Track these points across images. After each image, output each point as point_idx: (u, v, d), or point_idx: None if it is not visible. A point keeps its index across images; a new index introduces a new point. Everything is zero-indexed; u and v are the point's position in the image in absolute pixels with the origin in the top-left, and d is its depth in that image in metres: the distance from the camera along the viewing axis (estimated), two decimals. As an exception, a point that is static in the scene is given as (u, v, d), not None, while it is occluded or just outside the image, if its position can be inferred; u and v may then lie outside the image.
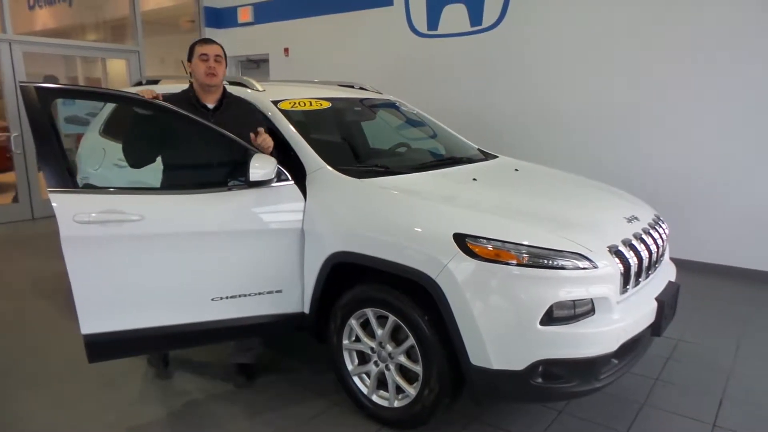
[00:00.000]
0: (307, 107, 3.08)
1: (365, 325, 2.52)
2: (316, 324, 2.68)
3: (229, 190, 2.52)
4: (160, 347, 2.44)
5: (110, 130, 4.08)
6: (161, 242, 2.36)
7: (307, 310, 2.69)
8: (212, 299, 2.51)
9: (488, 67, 5.61)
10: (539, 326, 2.04)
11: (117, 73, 12.69)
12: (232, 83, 3.23)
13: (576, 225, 2.34)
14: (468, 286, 2.10)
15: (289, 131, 2.79)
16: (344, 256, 2.44)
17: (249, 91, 3.07)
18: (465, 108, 5.69)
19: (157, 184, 2.61)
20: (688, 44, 4.51)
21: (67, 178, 2.22)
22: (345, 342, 2.58)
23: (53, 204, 2.19)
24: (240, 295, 2.56)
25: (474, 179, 2.76)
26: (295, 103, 3.04)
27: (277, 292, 2.64)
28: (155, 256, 2.36)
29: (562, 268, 2.08)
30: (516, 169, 3.14)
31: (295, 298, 2.68)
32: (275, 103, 2.97)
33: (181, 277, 2.43)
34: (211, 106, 2.69)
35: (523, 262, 2.07)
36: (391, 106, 3.81)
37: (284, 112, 2.90)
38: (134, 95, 2.45)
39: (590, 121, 5.08)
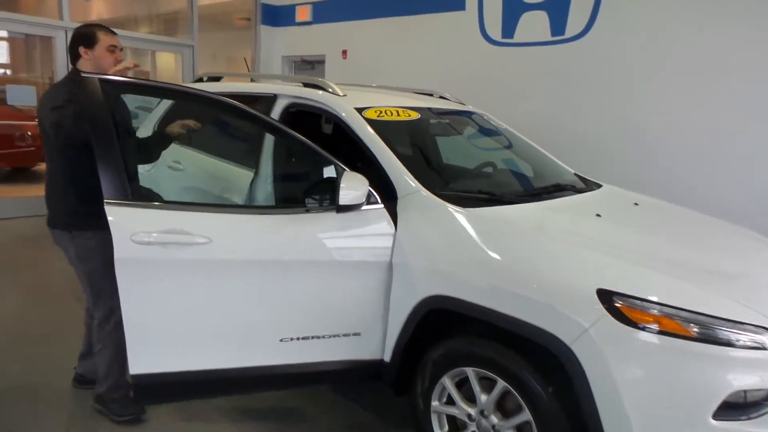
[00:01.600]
0: (394, 117, 2.67)
1: (461, 385, 2.09)
2: (398, 375, 2.26)
3: (307, 211, 2.13)
4: (217, 393, 2.08)
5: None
6: (229, 271, 1.97)
7: (387, 358, 2.26)
8: (281, 340, 2.11)
9: (568, 82, 5.12)
10: (712, 421, 1.57)
11: (166, 68, 12.66)
12: (306, 85, 2.86)
13: (743, 285, 1.86)
14: (616, 361, 1.64)
15: (378, 145, 2.37)
16: (442, 301, 2.01)
17: (324, 94, 2.67)
18: (537, 125, 5.18)
19: (215, 191, 2.24)
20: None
21: (126, 187, 1.86)
22: (434, 403, 2.14)
23: (109, 218, 1.82)
24: (313, 337, 2.16)
25: (597, 215, 2.30)
26: (381, 112, 2.63)
27: (355, 335, 2.23)
28: (221, 287, 1.98)
29: (745, 346, 1.60)
30: (636, 203, 2.66)
31: (374, 343, 2.26)
32: (359, 110, 2.56)
33: (249, 313, 2.04)
34: None
35: (693, 335, 1.61)
36: (475, 119, 3.38)
37: (370, 122, 2.50)
38: (215, 95, 2.08)
39: (683, 145, 4.54)
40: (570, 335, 1.70)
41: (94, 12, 8.18)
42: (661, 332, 1.62)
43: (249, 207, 2.07)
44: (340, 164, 2.13)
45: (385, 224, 2.18)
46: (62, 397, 2.66)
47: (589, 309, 1.68)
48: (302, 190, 2.17)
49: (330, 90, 2.73)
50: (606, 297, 1.68)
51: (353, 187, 1.99)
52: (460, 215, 2.11)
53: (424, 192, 2.21)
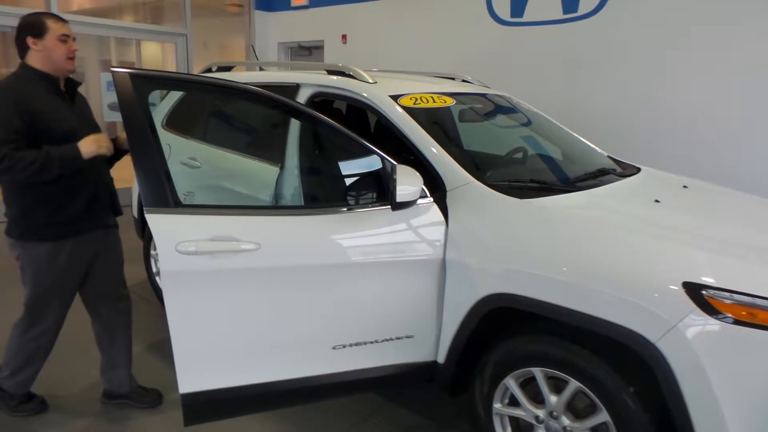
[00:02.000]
0: (431, 104, 2.52)
1: (523, 385, 1.99)
2: (453, 377, 2.15)
3: (349, 210, 1.99)
4: (267, 407, 1.95)
5: (175, 122, 3.58)
6: (279, 278, 1.84)
7: (441, 360, 2.16)
8: (333, 348, 1.99)
9: (581, 61, 4.99)
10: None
11: (151, 57, 12.30)
12: (331, 72, 2.70)
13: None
14: (709, 358, 1.54)
15: (420, 135, 2.24)
16: (505, 299, 1.90)
17: (354, 82, 2.52)
18: (551, 106, 5.06)
19: (250, 192, 2.09)
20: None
21: (167, 193, 1.70)
22: (496, 405, 2.04)
23: (151, 227, 1.67)
24: (365, 342, 2.04)
25: (656, 201, 2.19)
26: (416, 99, 2.48)
27: (408, 337, 2.11)
28: (271, 296, 1.84)
29: None
30: (684, 186, 2.55)
31: (428, 345, 2.14)
32: (395, 98, 2.42)
33: (300, 322, 1.91)
34: (66, 93, 2.24)
35: (792, 329, 1.51)
36: (493, 103, 3.23)
37: (408, 111, 2.35)
38: (263, 90, 1.92)
39: (706, 122, 4.45)
40: (655, 332, 1.60)
41: (75, 2, 7.84)
42: (756, 325, 1.52)
43: (296, 208, 1.92)
44: (388, 158, 1.99)
45: (436, 219, 2.05)
46: (90, 414, 2.52)
47: (675, 304, 1.58)
48: (348, 186, 2.04)
49: (357, 77, 2.58)
50: (694, 290, 1.58)
51: (410, 182, 1.85)
52: (519, 207, 1.99)
53: (477, 183, 2.08)
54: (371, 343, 2.05)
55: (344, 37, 6.75)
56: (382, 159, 2.01)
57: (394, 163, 1.96)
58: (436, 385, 2.22)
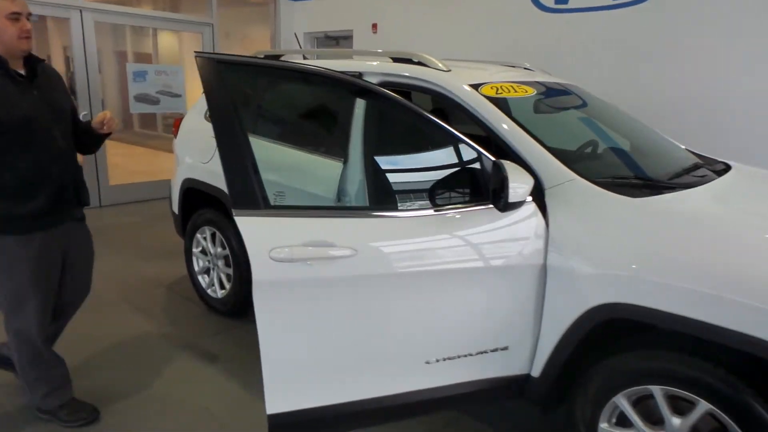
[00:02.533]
0: (512, 94, 2.33)
1: (635, 403, 1.80)
2: (548, 392, 1.97)
3: (445, 210, 1.80)
4: (356, 425, 1.78)
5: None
6: (375, 287, 1.66)
7: (536, 373, 1.98)
8: (426, 362, 1.82)
9: (632, 50, 4.76)
10: None
11: (167, 48, 12.12)
12: (396, 59, 2.51)
13: None
14: None
15: (511, 128, 2.05)
16: (620, 310, 1.71)
17: (428, 70, 2.33)
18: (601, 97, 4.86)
19: (313, 190, 1.91)
20: None
21: (258, 194, 1.52)
22: (603, 425, 1.86)
23: (242, 232, 1.49)
24: (459, 356, 1.87)
25: (775, 200, 1.99)
26: (498, 89, 2.29)
27: (503, 349, 1.93)
28: (365, 308, 1.67)
29: None
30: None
31: (522, 357, 1.97)
32: (475, 87, 2.23)
33: (394, 335, 1.74)
34: (24, 74, 2.05)
35: None
36: (566, 92, 3.03)
37: (493, 102, 2.16)
38: (367, 82, 1.74)
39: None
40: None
41: None
42: None
43: (390, 208, 1.74)
44: (486, 153, 1.80)
45: (536, 220, 1.86)
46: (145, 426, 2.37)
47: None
48: (442, 184, 1.85)
49: (429, 64, 2.39)
50: None
51: (521, 180, 1.67)
52: (635, 207, 1.79)
53: (581, 181, 1.89)
54: (465, 356, 1.87)
55: (374, 26, 6.54)
56: (480, 154, 1.82)
57: (492, 158, 1.77)
58: (528, 400, 2.04)
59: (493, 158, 1.78)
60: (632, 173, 2.12)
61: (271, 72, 1.78)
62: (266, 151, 1.79)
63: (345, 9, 6.79)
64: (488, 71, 2.61)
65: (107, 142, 2.65)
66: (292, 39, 7.39)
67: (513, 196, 1.64)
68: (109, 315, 3.43)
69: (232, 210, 1.51)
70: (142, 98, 6.08)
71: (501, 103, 2.18)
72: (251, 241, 1.49)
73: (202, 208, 3.46)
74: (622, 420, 1.83)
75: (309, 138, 2.00)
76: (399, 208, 1.75)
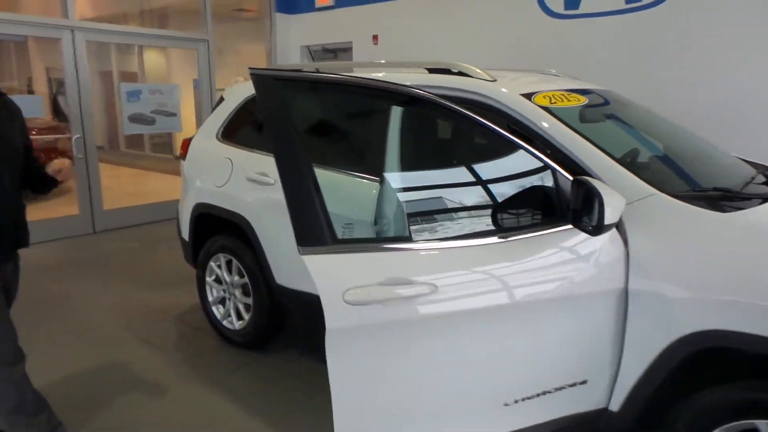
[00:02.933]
0: (566, 103, 2.18)
1: (734, 439, 1.63)
2: (629, 426, 1.79)
3: (508, 236, 1.63)
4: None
5: (235, 134, 3.21)
6: (454, 326, 1.48)
7: (615, 407, 1.80)
8: (505, 404, 1.63)
9: (645, 56, 4.67)
10: None
11: (154, 67, 11.88)
12: (432, 70, 2.34)
13: None
14: None
15: (576, 141, 1.89)
16: (720, 338, 1.55)
17: (473, 81, 2.17)
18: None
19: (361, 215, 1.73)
20: None
21: (325, 228, 1.33)
22: (699, 464, 1.68)
23: (311, 271, 1.29)
24: (538, 394, 1.68)
25: None
26: (551, 98, 2.14)
27: (581, 383, 1.75)
28: (444, 349, 1.48)
29: None
30: None
31: (601, 390, 1.79)
32: (527, 97, 2.07)
33: (472, 377, 1.55)
34: None
35: None
36: (606, 100, 2.88)
37: (551, 112, 2.00)
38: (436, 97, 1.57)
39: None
40: None
41: (96, 7, 7.42)
42: None
43: (464, 236, 1.56)
44: (559, 169, 1.63)
45: (614, 241, 1.70)
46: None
47: None
48: (512, 204, 1.68)
49: (471, 74, 2.23)
50: None
51: (617, 204, 1.50)
52: (724, 222, 1.64)
53: (663, 196, 1.73)
54: (543, 394, 1.69)
55: (375, 37, 6.40)
56: (554, 171, 1.66)
57: (566, 175, 1.60)
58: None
59: (567, 175, 1.61)
60: (706, 185, 1.96)
61: (335, 88, 1.58)
62: (332, 179, 1.60)
63: (343, 21, 6.65)
64: (531, 79, 2.46)
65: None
66: (289, 52, 7.22)
67: (610, 217, 1.47)
68: (115, 350, 3.18)
69: (298, 248, 1.31)
70: (136, 119, 5.85)
71: (561, 114, 2.02)
72: (323, 283, 1.30)
73: (216, 234, 3.24)
74: (720, 457, 1.66)
75: (376, 163, 1.80)
76: (474, 234, 1.57)
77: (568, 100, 2.19)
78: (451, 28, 5.79)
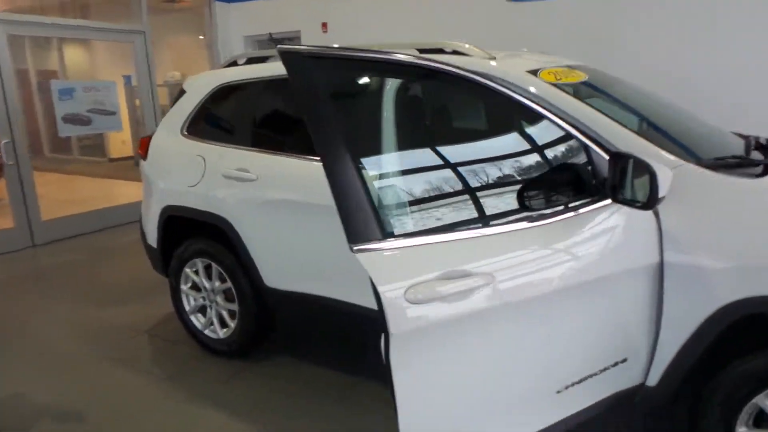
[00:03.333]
0: (570, 79, 2.14)
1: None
2: (666, 399, 1.79)
3: (562, 213, 1.57)
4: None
5: (204, 129, 2.96)
6: (511, 316, 1.39)
7: (652, 382, 1.79)
8: (557, 392, 1.57)
9: (597, 37, 4.77)
10: None
11: (77, 64, 10.98)
12: (423, 51, 2.24)
13: None
14: None
15: (594, 117, 1.84)
16: (763, 304, 1.56)
17: (473, 59, 2.09)
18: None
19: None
20: None
21: (373, 219, 1.20)
22: (741, 430, 1.70)
23: (368, 270, 1.16)
24: (585, 377, 1.64)
25: None
26: (556, 74, 2.09)
27: (622, 362, 1.73)
28: (501, 341, 1.40)
29: None
30: None
31: (639, 366, 1.77)
32: (533, 73, 2.01)
33: (526, 367, 1.48)
34: None
35: None
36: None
37: (561, 88, 1.95)
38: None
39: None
40: None
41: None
42: None
43: (506, 217, 1.47)
44: (592, 144, 1.58)
45: (647, 215, 1.67)
46: None
47: None
48: (549, 182, 1.61)
49: (468, 53, 2.16)
50: None
51: (665, 174, 1.46)
52: (755, 188, 1.65)
53: (691, 166, 1.72)
54: (590, 376, 1.65)
55: (324, 25, 6.20)
56: (586, 148, 1.60)
57: (600, 152, 1.56)
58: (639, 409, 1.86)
59: (602, 152, 1.57)
60: (726, 153, 1.97)
61: (376, 67, 1.44)
62: (380, 165, 1.45)
63: (289, 9, 6.39)
64: (527, 56, 2.41)
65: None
66: (231, 43, 6.87)
67: (663, 189, 1.43)
68: (86, 374, 2.88)
69: (349, 245, 1.17)
70: (71, 119, 5.36)
71: (568, 90, 1.97)
72: (380, 282, 1.16)
73: (190, 238, 3.00)
74: (758, 420, 1.68)
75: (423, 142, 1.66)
76: (514, 213, 1.48)
77: (571, 77, 2.15)
78: (404, 15, 5.69)
